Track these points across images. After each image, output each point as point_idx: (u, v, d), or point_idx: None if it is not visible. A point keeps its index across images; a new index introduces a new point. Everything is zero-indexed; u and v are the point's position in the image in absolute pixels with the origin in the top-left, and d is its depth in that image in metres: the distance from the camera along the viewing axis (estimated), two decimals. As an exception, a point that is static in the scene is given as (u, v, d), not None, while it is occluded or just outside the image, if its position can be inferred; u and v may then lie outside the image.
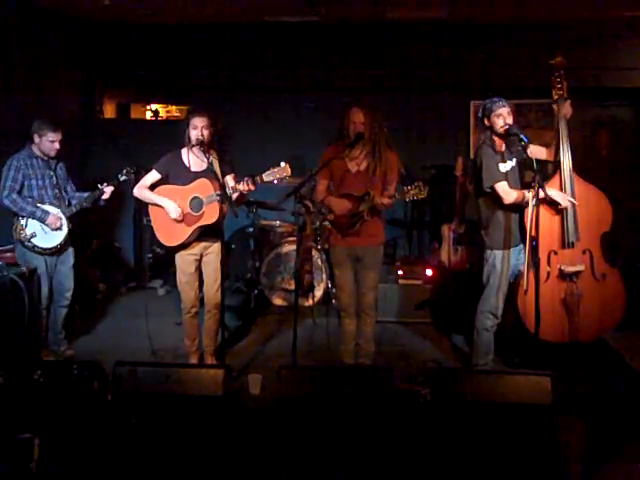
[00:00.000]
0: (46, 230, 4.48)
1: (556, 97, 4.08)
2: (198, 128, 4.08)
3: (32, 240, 4.44)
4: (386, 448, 2.73)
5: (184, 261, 4.25)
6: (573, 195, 4.07)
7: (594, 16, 6.18)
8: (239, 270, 6.42)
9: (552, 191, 3.92)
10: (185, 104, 7.40)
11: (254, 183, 4.00)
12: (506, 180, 4.03)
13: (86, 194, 4.65)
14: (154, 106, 7.73)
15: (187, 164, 4.20)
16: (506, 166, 4.05)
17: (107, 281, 6.60)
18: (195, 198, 4.10)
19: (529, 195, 3.91)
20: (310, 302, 5.74)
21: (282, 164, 3.94)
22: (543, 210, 3.83)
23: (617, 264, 4.34)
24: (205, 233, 4.16)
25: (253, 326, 5.54)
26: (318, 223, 5.83)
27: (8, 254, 4.69)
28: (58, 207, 4.54)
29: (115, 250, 7.08)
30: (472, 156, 5.06)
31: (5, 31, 5.60)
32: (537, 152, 4.04)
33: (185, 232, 4.14)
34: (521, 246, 4.12)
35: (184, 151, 4.21)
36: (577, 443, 2.73)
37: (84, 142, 6.93)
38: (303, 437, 2.81)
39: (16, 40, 5.75)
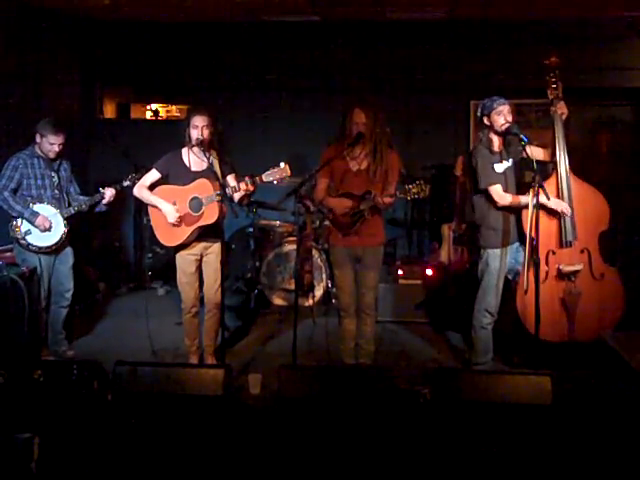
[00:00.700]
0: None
1: (551, 97, 4.09)
2: (198, 127, 4.08)
3: (26, 238, 4.44)
4: (386, 448, 2.73)
5: (184, 261, 4.25)
6: (570, 195, 4.08)
7: (594, 16, 6.18)
8: (239, 270, 6.42)
9: (549, 199, 3.91)
10: (185, 104, 7.40)
11: (254, 183, 4.00)
12: (504, 180, 4.04)
13: (86, 198, 4.64)
14: (154, 106, 7.73)
15: (187, 164, 4.20)
16: (503, 166, 4.05)
17: (107, 281, 6.59)
18: (195, 198, 4.10)
19: (526, 198, 3.93)
20: (310, 302, 5.74)
21: (282, 164, 3.94)
22: (541, 210, 3.83)
23: (617, 264, 4.35)
24: (205, 233, 4.16)
25: (253, 326, 5.54)
26: (318, 223, 5.83)
27: (8, 254, 4.69)
28: (57, 208, 4.54)
29: (115, 250, 7.08)
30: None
31: (5, 31, 5.60)
32: (536, 153, 4.05)
33: (184, 232, 4.14)
34: (517, 244, 4.13)
35: (184, 151, 4.21)
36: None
37: (84, 142, 6.93)
38: (303, 437, 2.81)
39: (16, 40, 5.75)
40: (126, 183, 4.64)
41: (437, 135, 6.91)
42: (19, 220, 4.44)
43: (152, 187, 4.27)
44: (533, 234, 3.70)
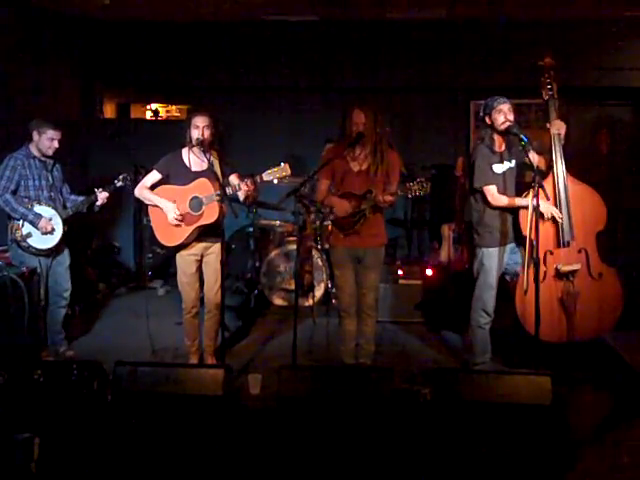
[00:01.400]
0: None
1: (546, 98, 4.09)
2: (199, 128, 4.08)
3: (27, 240, 4.43)
4: (386, 448, 2.73)
5: (185, 261, 4.25)
6: (567, 195, 4.07)
7: (594, 16, 6.18)
8: (239, 270, 6.42)
9: (541, 205, 3.91)
10: (185, 104, 7.42)
11: (254, 182, 4.00)
12: (502, 181, 4.04)
13: (81, 198, 4.63)
14: (154, 106, 7.74)
15: (187, 164, 4.20)
16: (503, 167, 4.05)
17: (107, 281, 6.59)
18: (195, 198, 4.10)
19: (521, 200, 3.93)
20: (310, 302, 5.74)
21: (282, 164, 3.95)
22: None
23: (617, 264, 4.35)
24: (205, 233, 4.16)
25: (253, 326, 5.53)
26: (318, 223, 5.83)
27: (8, 254, 4.68)
28: (54, 208, 4.53)
29: (115, 250, 7.08)
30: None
31: (5, 31, 5.60)
32: (537, 160, 4.05)
33: (184, 232, 4.14)
34: (514, 245, 4.14)
35: (185, 151, 4.21)
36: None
37: (84, 142, 6.93)
38: (303, 437, 2.81)
39: (16, 40, 5.75)
40: (118, 184, 4.64)
41: (437, 135, 6.92)
42: (20, 222, 4.43)
43: (153, 188, 4.26)
44: (533, 234, 3.70)
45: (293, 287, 5.03)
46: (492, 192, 4.01)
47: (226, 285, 4.63)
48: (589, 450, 1.43)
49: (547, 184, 4.04)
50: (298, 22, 6.56)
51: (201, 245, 4.23)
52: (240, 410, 3.43)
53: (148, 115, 7.81)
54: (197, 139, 4.07)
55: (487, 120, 4.05)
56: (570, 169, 4.12)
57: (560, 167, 4.07)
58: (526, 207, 3.88)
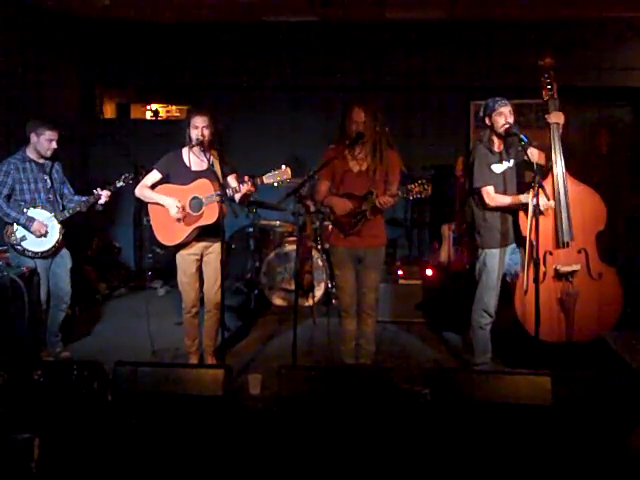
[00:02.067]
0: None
1: (546, 98, 4.08)
2: (199, 128, 4.08)
3: (22, 244, 4.43)
4: (386, 448, 2.73)
5: (185, 261, 4.25)
6: (566, 195, 4.07)
7: (594, 16, 6.18)
8: (239, 270, 6.42)
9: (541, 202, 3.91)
10: (185, 104, 7.40)
11: (254, 184, 4.01)
12: (502, 181, 4.03)
13: (83, 198, 4.63)
14: (154, 106, 7.73)
15: (188, 164, 4.20)
16: (502, 167, 4.05)
17: (107, 281, 6.60)
18: (195, 198, 4.10)
19: (526, 197, 3.92)
20: (310, 302, 5.74)
21: (283, 167, 3.95)
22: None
23: (617, 264, 4.34)
24: (205, 233, 4.16)
25: (253, 326, 5.54)
26: (318, 223, 5.83)
27: (7, 254, 4.68)
28: (51, 211, 4.52)
29: (115, 250, 7.08)
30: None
31: (5, 31, 5.60)
32: (536, 156, 4.05)
33: (184, 232, 4.14)
34: (514, 245, 4.14)
35: (185, 151, 4.21)
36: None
37: (84, 142, 6.93)
38: (303, 437, 2.80)
39: (16, 40, 5.75)
40: (119, 184, 4.62)
41: (437, 135, 6.92)
42: (14, 226, 4.43)
43: (153, 187, 4.27)
44: (533, 234, 3.70)
45: (293, 287, 5.03)
46: (489, 192, 4.01)
47: (226, 285, 4.64)
48: None
49: (547, 184, 4.03)
50: (298, 22, 6.55)
51: (201, 245, 4.23)
52: (240, 410, 3.43)
53: (148, 115, 7.80)
54: (196, 139, 4.07)
55: (487, 121, 4.05)
56: (570, 169, 4.12)
57: (560, 167, 4.07)
58: (534, 204, 3.86)
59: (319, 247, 5.86)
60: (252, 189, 4.03)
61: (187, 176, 4.16)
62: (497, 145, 4.06)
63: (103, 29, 6.76)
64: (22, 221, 4.40)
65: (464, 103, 7.02)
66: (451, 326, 5.27)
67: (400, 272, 5.69)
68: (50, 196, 4.57)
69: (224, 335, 4.19)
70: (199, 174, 4.14)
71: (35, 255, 4.47)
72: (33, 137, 4.47)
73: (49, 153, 4.52)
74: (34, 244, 4.46)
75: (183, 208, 4.11)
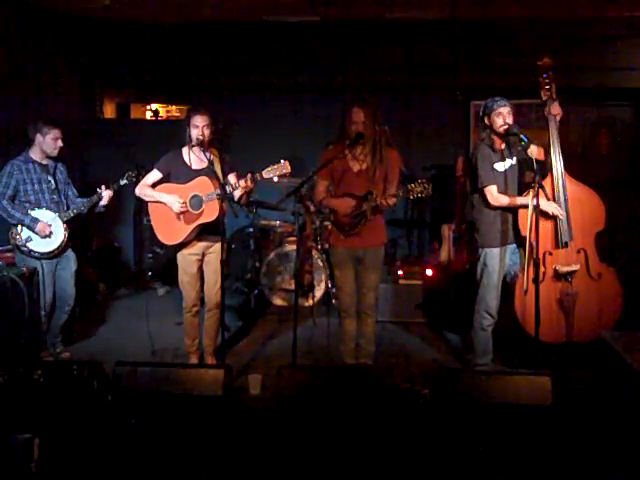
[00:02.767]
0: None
1: (545, 98, 4.09)
2: (199, 127, 4.09)
3: (28, 245, 4.43)
4: (386, 448, 2.73)
5: (186, 261, 4.25)
6: (565, 195, 4.08)
7: (594, 16, 6.18)
8: (239, 270, 6.42)
9: (541, 201, 3.92)
10: (185, 104, 7.40)
11: (254, 180, 4.00)
12: (504, 180, 4.04)
13: (86, 199, 4.61)
14: (154, 106, 7.73)
15: (188, 162, 4.20)
16: (505, 165, 4.05)
17: (107, 281, 6.59)
18: (195, 196, 4.11)
19: (523, 200, 3.93)
20: (310, 302, 5.73)
21: (282, 161, 3.95)
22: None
23: (617, 264, 4.34)
24: (206, 232, 4.16)
25: (253, 326, 5.54)
26: (318, 223, 5.83)
27: (8, 254, 4.68)
28: (56, 212, 4.51)
29: (115, 250, 7.07)
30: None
31: (5, 31, 5.59)
32: (536, 152, 4.05)
33: (184, 230, 4.14)
34: (515, 245, 4.14)
35: (185, 150, 4.21)
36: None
37: (84, 142, 6.93)
38: (303, 437, 2.80)
39: (16, 40, 5.74)
40: (123, 182, 4.61)
41: (437, 135, 6.92)
42: (18, 227, 4.43)
43: (153, 186, 4.27)
44: (533, 234, 3.70)
45: (293, 287, 5.03)
46: (492, 192, 4.01)
47: (226, 285, 4.64)
48: None
49: (546, 185, 4.04)
50: (298, 22, 6.55)
51: (202, 244, 4.23)
52: (240, 410, 3.43)
53: (148, 115, 7.81)
54: (197, 138, 4.07)
55: (486, 121, 4.06)
56: (569, 169, 4.12)
57: (559, 167, 4.07)
58: (527, 206, 3.88)
59: (319, 247, 5.86)
60: (251, 185, 4.03)
61: (187, 175, 4.16)
62: (498, 144, 4.06)
63: (103, 29, 6.75)
64: (26, 222, 4.40)
65: (464, 103, 7.01)
66: (451, 326, 5.27)
67: (400, 272, 5.69)
68: (54, 197, 4.57)
69: (224, 335, 4.19)
70: (199, 172, 4.14)
71: (41, 256, 4.46)
72: (38, 137, 4.47)
73: (55, 152, 4.52)
74: (40, 245, 4.46)
75: (182, 212, 4.11)
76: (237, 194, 4.14)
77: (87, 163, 6.93)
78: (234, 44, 6.83)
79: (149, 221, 4.41)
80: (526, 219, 3.87)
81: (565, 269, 4.08)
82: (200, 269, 4.30)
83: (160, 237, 4.27)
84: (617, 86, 6.73)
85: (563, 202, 4.07)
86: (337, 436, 2.79)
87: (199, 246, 4.24)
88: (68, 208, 4.62)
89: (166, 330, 5.13)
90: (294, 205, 5.37)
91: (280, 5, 5.98)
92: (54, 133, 4.46)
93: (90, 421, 2.90)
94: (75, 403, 2.96)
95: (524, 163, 4.11)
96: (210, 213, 4.05)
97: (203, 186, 4.08)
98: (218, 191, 3.94)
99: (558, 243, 4.10)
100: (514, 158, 4.08)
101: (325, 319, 4.88)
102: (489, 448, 2.71)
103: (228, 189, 4.02)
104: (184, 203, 4.10)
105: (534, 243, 3.72)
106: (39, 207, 4.48)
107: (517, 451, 2.69)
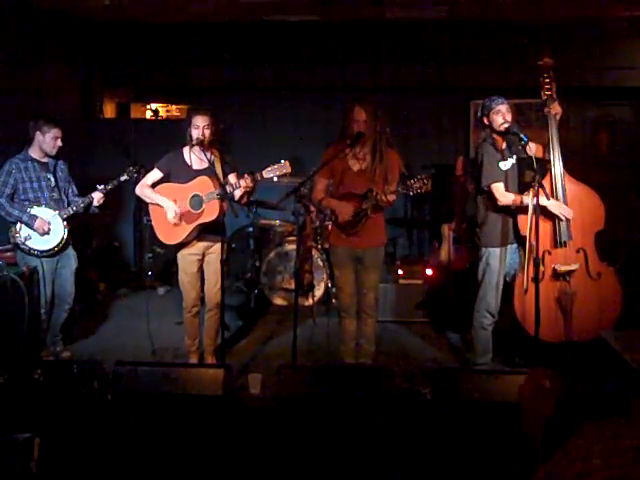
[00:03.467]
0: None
1: (545, 98, 4.08)
2: (200, 127, 4.08)
3: (27, 243, 4.42)
4: (386, 447, 2.73)
5: (186, 261, 4.25)
6: (564, 195, 4.07)
7: (594, 16, 6.18)
8: (239, 270, 6.42)
9: (549, 202, 3.92)
10: (185, 104, 7.40)
11: (254, 180, 4.01)
12: (506, 178, 4.04)
13: (79, 200, 4.59)
14: (154, 106, 7.73)
15: (189, 162, 4.21)
16: (507, 164, 4.05)
17: (107, 281, 6.59)
18: (195, 196, 4.11)
19: (527, 199, 3.92)
20: (310, 302, 5.74)
21: (282, 161, 3.96)
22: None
23: (617, 263, 4.34)
24: (206, 232, 4.17)
25: (253, 326, 5.53)
26: (318, 223, 5.83)
27: (8, 254, 4.67)
28: (56, 209, 4.51)
29: (115, 250, 7.07)
30: (472, 155, 5.06)
31: (5, 31, 5.60)
32: (534, 149, 4.05)
33: (185, 230, 4.15)
34: (516, 246, 4.14)
35: (186, 150, 4.22)
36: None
37: (84, 142, 6.93)
38: (303, 437, 2.81)
39: (16, 40, 5.74)
40: (123, 177, 4.57)
41: (437, 135, 6.92)
42: (18, 226, 4.42)
43: (154, 186, 4.27)
44: (533, 234, 3.70)
45: (293, 287, 5.03)
46: (499, 189, 4.00)
47: (226, 285, 4.63)
48: (556, 454, 1.39)
49: (545, 184, 4.04)
50: (298, 22, 6.55)
51: (202, 244, 4.23)
52: (240, 410, 3.43)
53: (148, 115, 7.80)
54: (197, 138, 4.07)
55: (485, 121, 4.06)
56: (569, 169, 4.12)
57: (558, 166, 4.07)
58: (534, 204, 3.86)
59: (319, 247, 5.86)
60: (251, 184, 4.03)
61: (188, 174, 4.17)
62: (499, 143, 4.06)
63: (103, 29, 6.75)
64: (25, 219, 4.39)
65: (464, 103, 7.02)
66: (451, 325, 5.27)
67: (400, 272, 5.69)
68: (54, 194, 4.56)
69: (224, 335, 4.19)
70: (200, 172, 4.15)
71: (41, 254, 4.45)
72: (38, 136, 4.47)
73: (54, 151, 4.52)
74: (39, 243, 4.45)
75: (183, 210, 4.11)
76: (237, 194, 4.14)
77: (87, 163, 6.93)
78: (234, 44, 6.83)
79: (149, 220, 4.41)
80: (526, 218, 3.87)
81: (564, 268, 4.08)
82: (200, 269, 4.30)
83: (160, 237, 4.27)
84: (617, 86, 6.73)
85: (562, 201, 4.07)
86: (337, 436, 2.79)
87: (199, 246, 4.24)
88: (69, 205, 4.62)
89: (166, 330, 5.13)
90: (294, 205, 5.37)
91: (280, 5, 5.98)
92: (54, 132, 4.46)
93: (90, 421, 2.90)
94: (75, 403, 2.97)
95: (523, 162, 4.11)
96: (210, 213, 4.06)
97: (203, 186, 4.08)
98: (218, 191, 3.94)
99: (557, 242, 4.10)
100: (514, 157, 4.08)
101: (325, 319, 4.88)
102: (489, 447, 2.72)
103: (228, 189, 4.02)
104: (179, 216, 4.09)
105: (534, 242, 3.71)
106: (38, 205, 4.47)
107: (517, 451, 2.69)
